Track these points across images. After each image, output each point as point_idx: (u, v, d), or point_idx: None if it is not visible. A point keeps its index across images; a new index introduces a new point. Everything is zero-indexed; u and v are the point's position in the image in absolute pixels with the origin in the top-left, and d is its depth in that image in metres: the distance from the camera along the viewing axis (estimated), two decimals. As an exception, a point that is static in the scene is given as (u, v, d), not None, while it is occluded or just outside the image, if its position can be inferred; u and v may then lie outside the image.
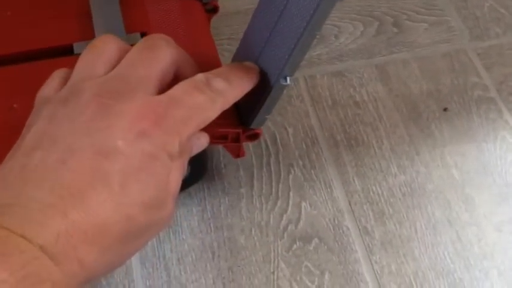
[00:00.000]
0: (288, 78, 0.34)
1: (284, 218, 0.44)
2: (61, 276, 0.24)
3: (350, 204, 0.45)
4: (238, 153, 0.41)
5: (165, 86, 0.31)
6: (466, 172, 0.47)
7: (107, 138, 0.27)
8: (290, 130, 0.49)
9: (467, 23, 0.57)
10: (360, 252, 0.43)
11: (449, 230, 0.44)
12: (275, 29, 0.34)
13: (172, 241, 0.43)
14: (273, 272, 0.42)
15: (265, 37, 0.35)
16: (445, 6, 0.58)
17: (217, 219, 0.44)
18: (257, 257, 0.43)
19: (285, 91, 0.35)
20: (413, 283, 0.42)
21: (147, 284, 0.41)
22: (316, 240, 0.43)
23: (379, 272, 0.42)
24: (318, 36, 0.46)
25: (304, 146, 0.48)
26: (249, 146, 0.48)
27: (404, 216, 0.45)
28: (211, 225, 0.44)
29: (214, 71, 0.32)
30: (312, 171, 0.47)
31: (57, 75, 0.32)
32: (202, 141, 0.34)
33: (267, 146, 0.48)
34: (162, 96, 0.29)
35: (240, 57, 0.37)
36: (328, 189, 0.46)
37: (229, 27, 0.56)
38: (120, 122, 0.27)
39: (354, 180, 0.47)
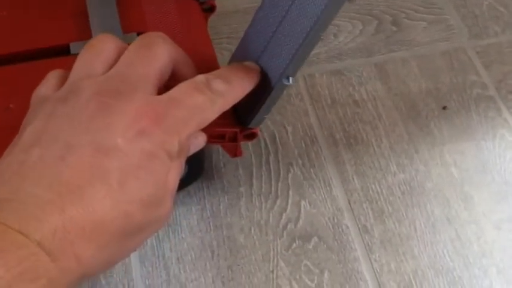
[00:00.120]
0: (291, 78, 0.34)
1: (283, 216, 0.45)
2: (58, 272, 0.24)
3: (349, 203, 0.46)
4: (235, 153, 0.41)
5: (164, 84, 0.31)
6: (465, 170, 0.47)
7: (107, 136, 0.27)
8: (289, 129, 0.49)
9: (466, 21, 0.58)
10: (359, 250, 0.43)
11: (449, 228, 0.44)
12: (279, 29, 0.34)
13: (172, 240, 0.43)
14: (273, 271, 0.42)
15: (267, 37, 0.35)
16: (444, 5, 0.59)
17: (216, 218, 0.45)
18: (256, 255, 0.43)
19: (284, 90, 0.36)
20: (413, 281, 0.42)
21: (147, 283, 0.42)
22: (315, 238, 0.44)
23: (378, 271, 0.42)
24: (322, 38, 0.46)
25: (303, 144, 0.49)
26: (248, 145, 0.48)
27: (404, 214, 0.45)
28: (211, 224, 0.44)
29: (214, 72, 0.33)
30: (311, 170, 0.47)
31: (52, 76, 0.32)
32: (199, 141, 0.34)
33: (266, 144, 0.49)
34: (163, 96, 0.29)
35: (240, 57, 0.37)
36: (328, 188, 0.46)
37: (228, 26, 0.57)
38: (120, 121, 0.27)
39: (353, 178, 0.47)
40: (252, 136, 0.39)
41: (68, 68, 0.32)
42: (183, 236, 0.44)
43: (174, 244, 0.43)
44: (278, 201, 0.45)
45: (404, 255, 0.43)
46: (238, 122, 0.38)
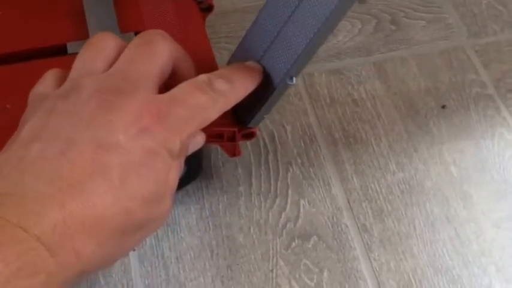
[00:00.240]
0: (294, 78, 0.34)
1: (283, 216, 0.45)
2: (57, 267, 0.25)
3: (349, 202, 0.46)
4: (234, 152, 0.41)
5: (164, 81, 0.32)
6: (464, 169, 0.48)
7: (109, 133, 0.27)
8: (288, 128, 0.50)
9: (465, 20, 0.58)
10: (358, 249, 0.44)
11: (448, 227, 0.45)
12: (284, 29, 0.34)
13: (171, 239, 0.44)
14: (272, 270, 0.43)
15: (271, 36, 0.35)
16: (443, 4, 0.59)
17: (215, 217, 0.45)
18: (256, 255, 0.43)
19: (286, 90, 0.36)
20: (412, 280, 0.42)
21: (146, 282, 0.42)
22: (314, 238, 0.44)
23: (377, 269, 0.43)
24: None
25: (302, 144, 0.49)
26: (247, 145, 0.49)
27: (403, 213, 0.45)
28: (210, 223, 0.45)
29: (216, 71, 0.33)
30: (311, 169, 0.48)
31: (50, 75, 0.32)
32: (198, 140, 0.34)
33: (265, 144, 0.49)
34: (165, 95, 0.30)
35: (241, 56, 0.37)
36: (327, 187, 0.47)
37: (227, 25, 0.57)
38: (122, 118, 0.28)
39: (352, 177, 0.47)
40: (250, 136, 0.39)
41: (65, 67, 0.33)
42: (182, 236, 0.44)
43: (173, 243, 0.44)
44: (277, 201, 0.46)
45: (404, 254, 0.43)
46: (236, 122, 0.39)
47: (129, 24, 0.43)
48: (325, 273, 0.42)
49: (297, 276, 0.42)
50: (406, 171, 0.48)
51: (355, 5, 0.32)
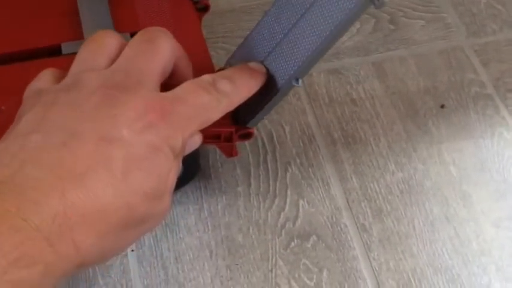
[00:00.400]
0: (300, 80, 0.35)
1: (282, 216, 0.46)
2: (55, 258, 0.25)
3: (348, 202, 0.47)
4: (231, 153, 0.41)
5: (165, 79, 0.32)
6: (464, 169, 0.49)
7: (113, 126, 0.28)
8: (287, 128, 0.51)
9: (464, 19, 0.59)
10: (358, 249, 0.44)
11: (447, 227, 0.46)
12: (293, 30, 0.35)
13: (170, 240, 0.44)
14: (271, 270, 0.43)
15: (278, 38, 0.36)
16: (442, 3, 0.60)
17: (214, 218, 0.46)
18: (255, 255, 0.44)
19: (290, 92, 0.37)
20: (412, 279, 0.43)
21: (145, 283, 0.43)
22: (314, 237, 0.45)
23: (377, 269, 0.43)
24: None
25: (301, 143, 0.50)
26: (245, 145, 0.49)
27: (402, 213, 0.46)
28: (209, 224, 0.45)
29: (220, 72, 0.34)
30: (310, 169, 0.48)
31: (47, 73, 0.32)
32: (195, 140, 0.34)
33: (263, 144, 0.50)
34: (168, 93, 0.30)
35: (244, 56, 0.38)
36: (326, 187, 0.47)
37: (224, 25, 0.58)
38: (127, 113, 0.28)
39: (351, 177, 0.48)
40: (247, 136, 0.40)
41: (60, 68, 0.33)
42: (181, 236, 0.45)
43: (172, 244, 0.44)
44: (276, 201, 0.47)
45: (403, 254, 0.44)
46: (234, 122, 0.39)
47: (124, 25, 0.43)
48: (325, 273, 0.43)
49: (296, 276, 0.43)
50: (405, 171, 0.48)
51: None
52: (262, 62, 0.36)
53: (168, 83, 0.33)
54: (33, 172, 0.26)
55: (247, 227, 0.45)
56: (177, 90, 0.31)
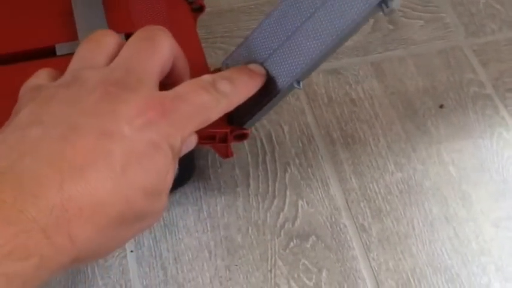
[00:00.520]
0: (301, 83, 0.36)
1: (281, 216, 0.46)
2: (51, 250, 0.25)
3: (347, 202, 0.47)
4: (226, 154, 0.42)
5: (163, 79, 0.33)
6: (463, 169, 0.49)
7: (113, 121, 0.28)
8: (286, 128, 0.51)
9: (463, 19, 0.59)
10: (357, 249, 0.45)
11: (447, 227, 0.46)
12: (296, 34, 0.36)
13: (169, 240, 0.45)
14: (271, 270, 0.44)
15: (280, 39, 0.36)
16: (441, 3, 0.61)
17: (213, 218, 0.46)
18: (254, 255, 0.44)
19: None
20: (411, 279, 0.43)
21: (144, 283, 0.43)
22: (313, 237, 0.45)
23: (376, 269, 0.44)
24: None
25: (300, 144, 0.50)
26: (244, 145, 0.50)
27: (402, 213, 0.47)
28: (208, 224, 0.46)
29: (220, 73, 0.34)
30: (309, 169, 0.49)
31: (43, 71, 0.32)
32: (191, 140, 0.35)
33: (262, 144, 0.50)
34: (169, 92, 0.30)
35: (243, 57, 0.38)
36: (325, 187, 0.48)
37: (222, 25, 0.58)
38: (127, 109, 0.28)
39: (350, 178, 0.49)
40: (242, 137, 0.40)
41: (55, 69, 0.33)
42: (180, 237, 0.45)
43: (171, 245, 0.45)
44: (275, 201, 0.47)
45: (403, 254, 0.45)
46: (229, 123, 0.39)
47: (118, 25, 0.43)
48: (324, 273, 0.44)
49: (296, 276, 0.43)
50: (404, 171, 0.49)
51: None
52: (262, 64, 0.37)
53: (165, 82, 0.33)
54: (32, 164, 0.26)
55: (246, 228, 0.46)
56: (177, 89, 0.31)
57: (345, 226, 0.46)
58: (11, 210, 0.24)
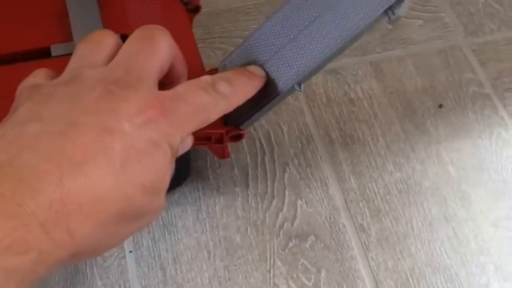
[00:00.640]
0: (302, 85, 0.36)
1: (280, 216, 0.47)
2: (49, 244, 0.25)
3: (346, 202, 0.48)
4: (222, 155, 0.42)
5: (161, 78, 0.33)
6: (462, 168, 0.50)
7: (114, 119, 0.28)
8: (285, 128, 0.51)
9: (462, 19, 0.60)
10: (356, 249, 0.45)
11: (446, 227, 0.46)
12: (299, 36, 0.36)
13: (168, 241, 0.45)
14: (269, 270, 0.44)
15: (282, 42, 0.36)
16: (440, 3, 0.61)
17: (212, 218, 0.46)
18: (253, 255, 0.45)
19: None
20: (410, 279, 0.44)
21: (143, 283, 0.43)
22: (312, 237, 0.46)
23: (375, 269, 0.44)
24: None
25: (299, 144, 0.51)
26: (243, 145, 0.50)
27: (401, 213, 0.47)
28: (207, 224, 0.46)
29: (219, 74, 0.34)
30: (308, 170, 0.49)
31: (41, 71, 0.33)
32: (187, 142, 0.35)
33: (261, 144, 0.50)
34: (169, 92, 0.31)
35: (242, 58, 0.38)
36: (324, 187, 0.48)
37: (220, 25, 0.59)
38: (128, 107, 0.29)
39: (349, 178, 0.49)
40: (238, 137, 0.40)
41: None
42: (179, 237, 0.45)
43: (170, 245, 0.45)
44: (274, 201, 0.47)
45: (402, 254, 0.45)
46: (226, 123, 0.40)
47: (114, 26, 0.42)
48: (323, 273, 0.44)
49: (295, 276, 0.44)
50: (403, 171, 0.49)
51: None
52: (262, 65, 0.37)
53: (163, 82, 0.33)
54: (31, 158, 0.26)
55: (245, 228, 0.46)
56: (177, 89, 0.31)
57: (344, 226, 0.46)
58: (9, 204, 0.24)
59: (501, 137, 0.51)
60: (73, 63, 0.32)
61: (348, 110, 0.53)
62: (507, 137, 0.51)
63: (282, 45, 0.37)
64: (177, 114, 0.30)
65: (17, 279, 0.24)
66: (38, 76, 0.32)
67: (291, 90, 0.37)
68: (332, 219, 0.47)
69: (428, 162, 0.50)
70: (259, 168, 0.49)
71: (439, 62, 0.56)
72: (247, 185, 0.48)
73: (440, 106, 0.53)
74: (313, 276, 0.44)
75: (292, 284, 0.43)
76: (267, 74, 0.37)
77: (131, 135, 0.28)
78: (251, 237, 0.45)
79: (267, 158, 0.50)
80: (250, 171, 0.49)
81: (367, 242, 0.45)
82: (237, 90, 0.34)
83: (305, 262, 0.44)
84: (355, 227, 0.46)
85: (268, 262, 0.44)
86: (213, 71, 0.41)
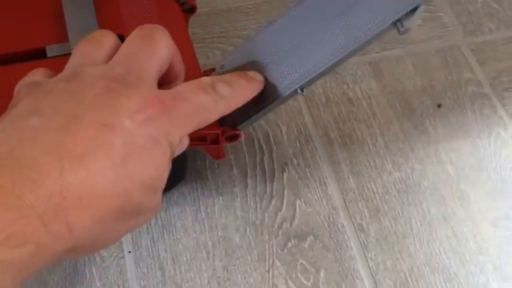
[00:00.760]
0: (304, 89, 0.36)
1: (279, 216, 0.47)
2: (48, 237, 0.25)
3: (345, 202, 0.48)
4: (218, 155, 0.42)
5: (160, 77, 0.33)
6: (461, 168, 0.50)
7: (115, 115, 0.28)
8: (283, 128, 0.52)
9: (461, 18, 0.60)
10: (355, 249, 0.45)
11: (445, 226, 0.47)
12: (305, 42, 0.36)
13: (167, 241, 0.45)
14: (268, 270, 0.44)
15: (286, 46, 0.37)
16: (438, 2, 0.61)
17: (211, 219, 0.47)
18: (252, 255, 0.45)
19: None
20: (409, 279, 0.44)
21: (142, 283, 0.43)
22: (311, 237, 0.46)
23: (374, 269, 0.45)
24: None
25: (298, 144, 0.51)
26: (242, 145, 0.50)
27: (400, 213, 0.47)
28: (206, 225, 0.46)
29: (219, 76, 0.35)
30: (307, 170, 0.49)
31: (39, 70, 0.33)
32: (184, 142, 0.35)
33: (260, 144, 0.51)
34: (169, 91, 0.31)
35: (241, 59, 0.38)
36: (323, 187, 0.48)
37: (219, 25, 0.59)
38: (128, 105, 0.29)
39: (348, 177, 0.49)
40: (234, 138, 0.40)
41: None
42: (178, 237, 0.46)
43: (169, 245, 0.45)
44: (273, 201, 0.48)
45: (400, 253, 0.45)
46: (222, 124, 0.40)
47: (109, 27, 0.42)
48: (322, 273, 0.44)
49: (294, 276, 0.44)
50: (402, 171, 0.50)
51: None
52: (263, 68, 0.37)
53: (162, 81, 0.34)
54: (31, 151, 0.26)
55: (244, 228, 0.46)
56: (178, 89, 0.32)
57: (343, 226, 0.46)
58: (9, 196, 0.24)
59: (500, 137, 0.52)
60: (73, 61, 0.32)
61: (346, 110, 0.53)
62: (506, 137, 0.52)
63: (287, 50, 0.37)
64: (178, 113, 0.30)
65: (13, 271, 0.24)
66: (37, 75, 0.32)
67: (292, 94, 0.37)
68: (331, 219, 0.47)
69: (427, 162, 0.50)
70: (258, 168, 0.49)
71: (437, 62, 0.56)
72: (246, 185, 0.48)
73: (439, 106, 0.53)
74: (312, 276, 0.44)
75: (291, 284, 0.44)
76: (269, 77, 0.37)
77: (132, 132, 0.28)
78: (250, 237, 0.46)
79: (265, 158, 0.50)
80: (249, 171, 0.49)
81: (366, 242, 0.46)
82: (236, 92, 0.35)
83: (304, 262, 0.45)
84: (354, 227, 0.46)
85: (267, 262, 0.45)
86: (209, 71, 0.41)
